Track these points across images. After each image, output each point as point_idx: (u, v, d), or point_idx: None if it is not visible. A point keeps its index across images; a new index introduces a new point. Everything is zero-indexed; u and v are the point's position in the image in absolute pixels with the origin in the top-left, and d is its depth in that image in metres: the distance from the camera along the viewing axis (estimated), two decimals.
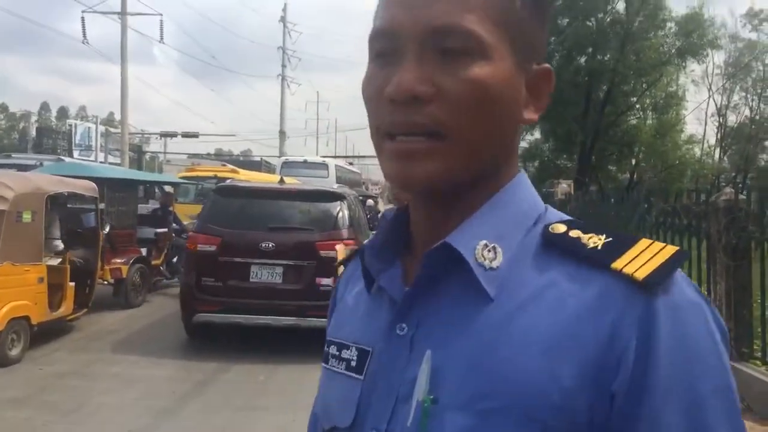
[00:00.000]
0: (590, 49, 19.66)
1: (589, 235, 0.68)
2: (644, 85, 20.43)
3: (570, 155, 21.80)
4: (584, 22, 19.45)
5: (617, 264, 0.64)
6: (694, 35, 19.27)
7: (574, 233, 0.68)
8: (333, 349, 0.77)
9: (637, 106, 21.38)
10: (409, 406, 0.65)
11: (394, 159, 0.67)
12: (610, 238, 0.67)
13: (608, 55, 19.60)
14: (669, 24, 19.78)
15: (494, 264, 0.67)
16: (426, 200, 0.72)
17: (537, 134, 21.47)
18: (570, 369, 0.61)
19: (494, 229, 0.69)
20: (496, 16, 0.67)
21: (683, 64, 20.31)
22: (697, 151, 25.83)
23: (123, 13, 22.29)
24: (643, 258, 0.64)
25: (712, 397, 0.62)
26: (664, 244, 0.67)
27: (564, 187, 15.36)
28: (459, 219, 0.70)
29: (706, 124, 29.59)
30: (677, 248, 0.66)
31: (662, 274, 0.63)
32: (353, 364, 0.73)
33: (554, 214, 0.73)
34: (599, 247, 0.66)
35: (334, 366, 0.76)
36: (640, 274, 0.63)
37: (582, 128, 19.56)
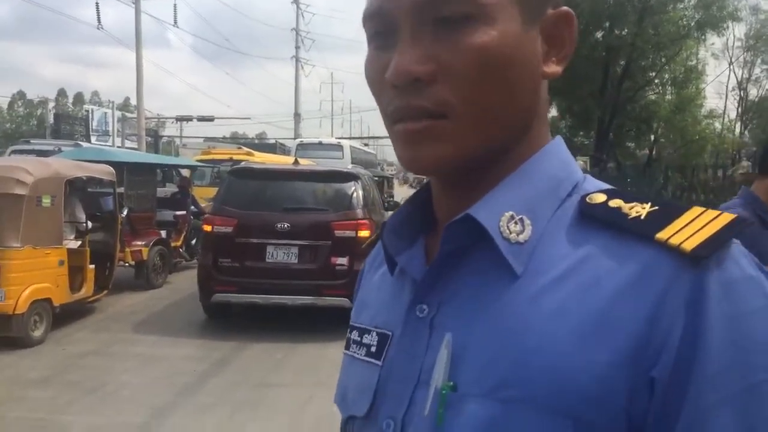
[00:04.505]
0: (607, 24, 19.30)
1: (632, 204, 0.61)
2: (663, 60, 20.04)
3: (587, 132, 21.55)
4: None
5: (662, 234, 0.57)
6: (714, 7, 18.83)
7: (615, 203, 0.61)
8: (354, 335, 0.72)
9: (656, 81, 21.01)
10: (427, 394, 0.60)
11: (402, 143, 0.63)
12: (656, 207, 0.60)
13: (626, 30, 19.23)
14: None
15: (521, 237, 0.61)
16: (445, 178, 0.67)
17: (554, 111, 21.23)
18: (606, 355, 0.55)
19: (522, 200, 0.63)
20: None
21: (703, 37, 19.88)
22: (718, 125, 25.39)
23: None
24: (694, 227, 0.57)
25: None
26: (718, 212, 0.59)
27: (579, 164, 15.24)
28: (484, 191, 0.64)
29: (726, 98, 29.03)
30: (734, 215, 0.59)
31: (715, 245, 0.55)
32: (373, 349, 0.68)
33: (593, 183, 0.66)
34: (642, 217, 0.59)
35: (354, 352, 0.71)
36: (688, 245, 0.55)
37: (599, 104, 19.28)
